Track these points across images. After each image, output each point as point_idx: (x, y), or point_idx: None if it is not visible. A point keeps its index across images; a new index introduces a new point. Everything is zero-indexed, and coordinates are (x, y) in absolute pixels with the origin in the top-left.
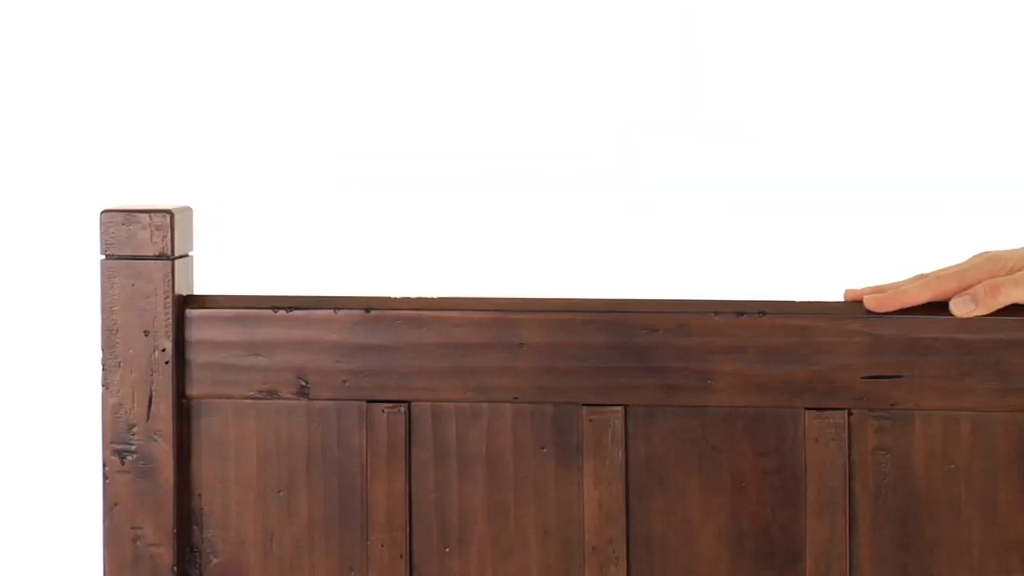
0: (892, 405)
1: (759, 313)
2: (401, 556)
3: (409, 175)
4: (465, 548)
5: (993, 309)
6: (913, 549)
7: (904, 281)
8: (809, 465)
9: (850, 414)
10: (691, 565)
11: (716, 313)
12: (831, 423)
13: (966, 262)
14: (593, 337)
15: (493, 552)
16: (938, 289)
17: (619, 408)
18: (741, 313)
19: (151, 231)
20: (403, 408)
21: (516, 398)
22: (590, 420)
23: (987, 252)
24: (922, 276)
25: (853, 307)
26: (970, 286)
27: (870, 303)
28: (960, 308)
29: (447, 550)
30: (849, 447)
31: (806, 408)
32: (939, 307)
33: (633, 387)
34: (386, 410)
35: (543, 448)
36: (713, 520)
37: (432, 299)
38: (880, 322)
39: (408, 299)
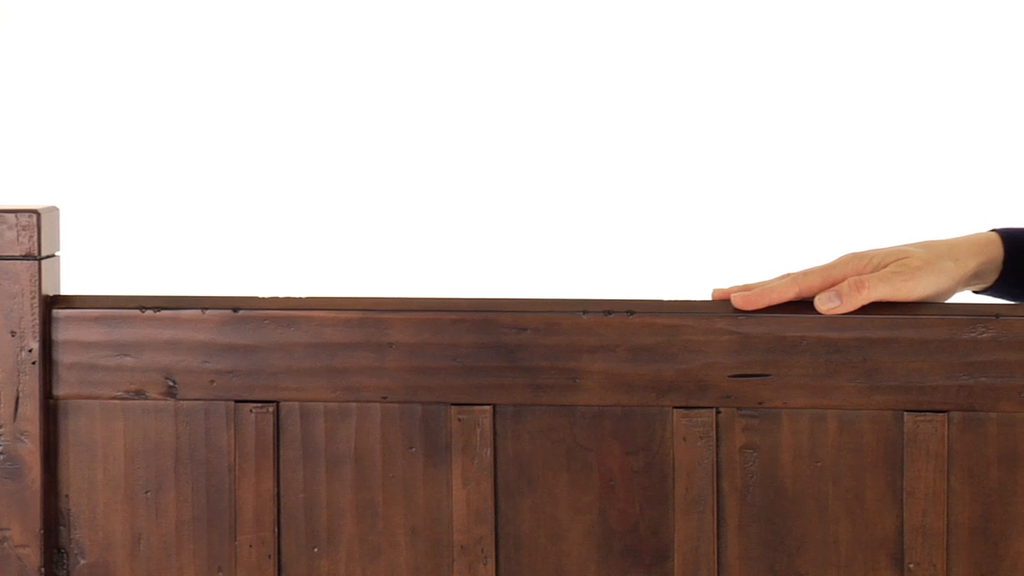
0: (760, 403)
1: (627, 312)
2: (270, 556)
3: (278, 173)
4: (334, 548)
5: (858, 305)
6: (780, 547)
7: (771, 279)
8: (677, 464)
9: (718, 412)
10: (560, 564)
11: (584, 312)
12: (699, 422)
13: (833, 260)
14: (462, 337)
15: (362, 552)
16: (804, 286)
17: (488, 407)
18: (609, 312)
19: (17, 231)
20: (271, 408)
21: (385, 397)
22: (459, 419)
23: (853, 251)
24: (789, 274)
25: (721, 306)
26: (835, 283)
27: (737, 301)
28: (825, 304)
29: (316, 550)
30: (717, 445)
31: (674, 407)
32: (807, 304)
33: (502, 386)
34: (254, 410)
35: (412, 447)
36: (582, 519)
37: (300, 299)
38: (747, 320)
39: (276, 299)
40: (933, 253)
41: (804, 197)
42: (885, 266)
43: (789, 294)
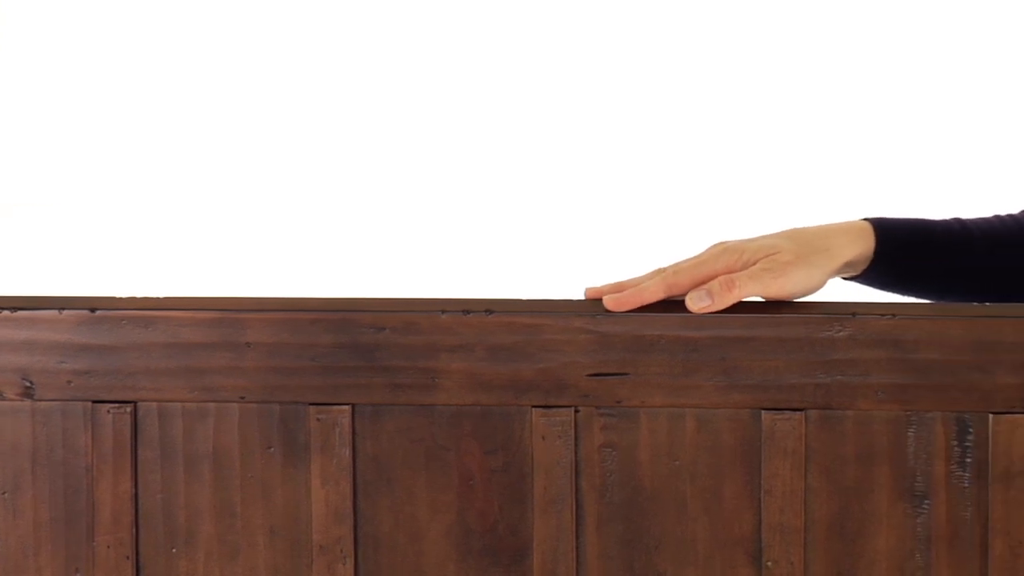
0: (618, 402)
1: (485, 311)
2: (128, 557)
3: (139, 174)
4: (192, 548)
5: (728, 304)
6: (639, 545)
7: (642, 277)
8: (536, 463)
9: (576, 411)
10: (419, 563)
11: (443, 312)
12: (558, 421)
13: (703, 253)
14: (320, 336)
15: (220, 552)
16: (675, 285)
17: (346, 407)
18: (467, 311)
19: None
20: (129, 408)
21: (243, 397)
22: (317, 419)
23: (724, 242)
24: (660, 270)
25: (579, 305)
26: (706, 280)
27: (609, 303)
28: (696, 303)
29: (174, 550)
30: (576, 444)
31: (533, 406)
32: (665, 304)
33: (360, 386)
34: (112, 410)
35: (270, 447)
36: (441, 518)
37: (157, 299)
38: (606, 320)
39: (134, 299)
40: (804, 246)
41: (675, 193)
42: (755, 262)
43: (660, 294)
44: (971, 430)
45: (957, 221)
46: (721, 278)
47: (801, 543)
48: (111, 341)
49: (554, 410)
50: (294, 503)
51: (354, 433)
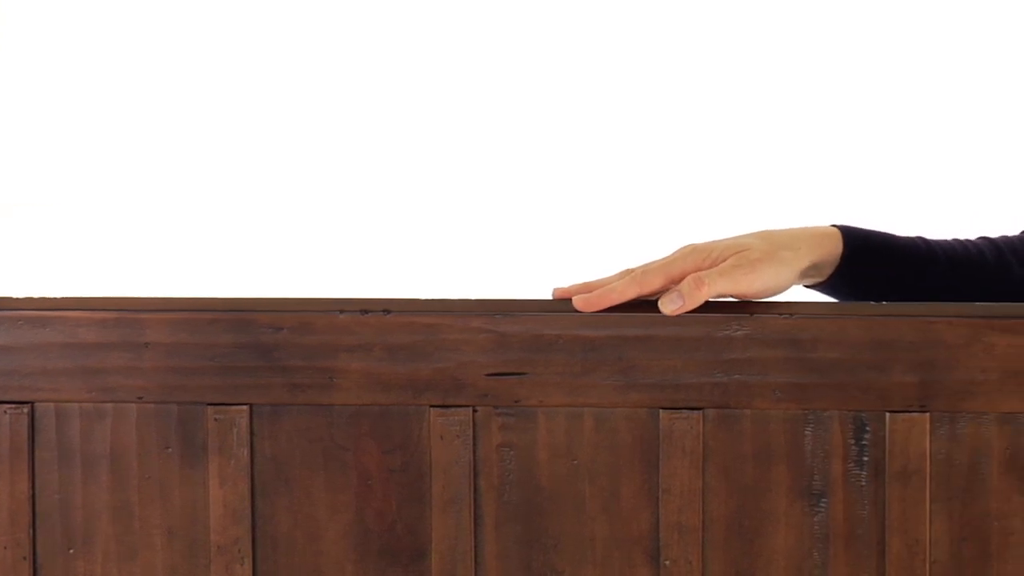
0: (516, 402)
1: (383, 311)
2: (25, 558)
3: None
4: (89, 549)
5: (700, 302)
6: (537, 545)
7: (611, 278)
8: (434, 462)
9: (475, 411)
10: (317, 563)
11: (341, 311)
12: (456, 420)
13: (672, 254)
14: (218, 336)
15: (118, 552)
16: (645, 285)
17: (244, 407)
18: (366, 311)
19: None
20: (26, 409)
21: (141, 398)
22: (215, 419)
23: (693, 244)
24: (629, 271)
25: (477, 304)
26: (676, 280)
27: (579, 303)
28: (668, 306)
29: (71, 551)
30: (474, 444)
31: (431, 406)
32: (562, 303)
33: (258, 386)
34: (8, 411)
35: (168, 448)
36: (339, 518)
37: (54, 299)
38: (504, 319)
39: (30, 299)
40: (772, 244)
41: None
42: (724, 260)
43: (629, 294)
44: (868, 429)
45: (921, 239)
46: (690, 277)
47: (699, 542)
48: (7, 341)
49: (452, 410)
50: (192, 503)
51: (252, 433)
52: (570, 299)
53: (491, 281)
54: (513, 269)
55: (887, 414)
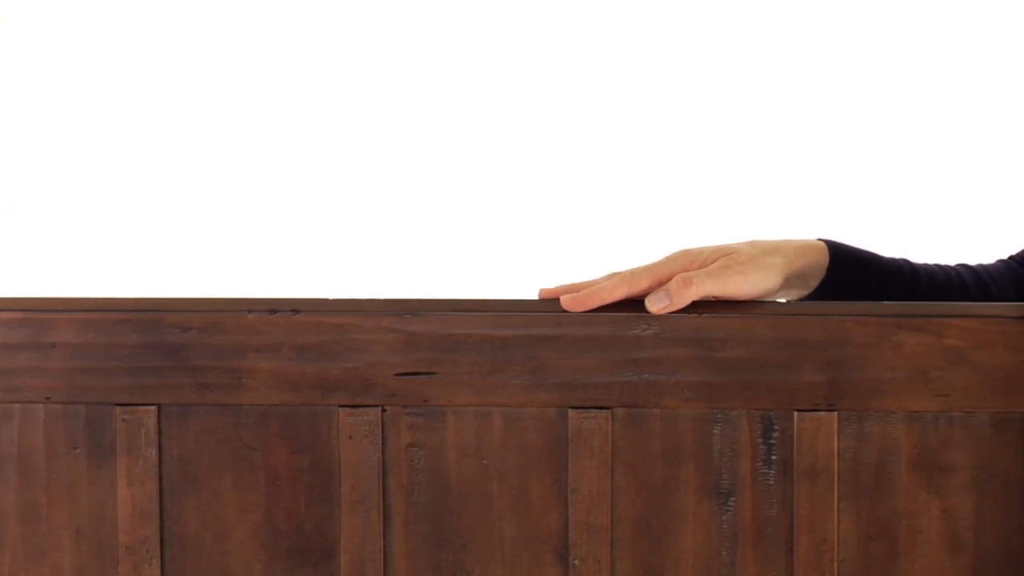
0: (425, 402)
1: (292, 311)
2: None
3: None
4: None
5: (687, 302)
6: (446, 544)
7: (598, 280)
8: (343, 462)
9: (384, 411)
10: (226, 563)
11: (249, 311)
12: (365, 420)
13: (661, 259)
14: (127, 336)
15: (26, 553)
16: (633, 285)
17: (152, 407)
18: (274, 311)
19: None
20: None
21: (48, 398)
22: (123, 419)
23: (683, 248)
24: (615, 274)
25: (386, 304)
26: (664, 281)
27: (567, 303)
28: (655, 304)
29: None
30: (383, 444)
31: (340, 406)
32: (470, 303)
33: (167, 386)
34: None
35: (76, 448)
36: (247, 518)
37: None
38: (414, 319)
39: None
40: (760, 249)
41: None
42: (713, 262)
43: (618, 294)
44: (776, 428)
45: (904, 260)
46: (678, 276)
47: (608, 541)
48: None
49: (361, 409)
50: (100, 504)
51: (160, 433)
52: (479, 299)
53: (476, 283)
54: (499, 271)
55: (795, 413)
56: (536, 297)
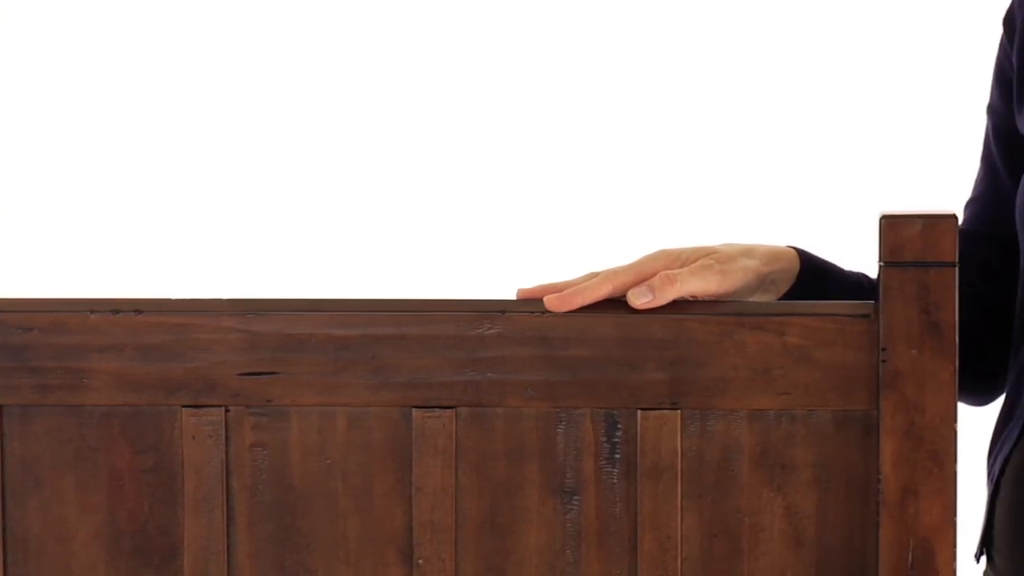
0: (268, 401)
1: (135, 311)
2: None
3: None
4: None
5: (670, 299)
6: (290, 544)
7: (577, 279)
8: (187, 462)
9: (227, 411)
10: (68, 565)
11: (92, 311)
12: (208, 420)
13: (642, 257)
14: None
15: None
16: (617, 283)
17: None
18: (117, 311)
19: None
20: None
21: None
22: None
23: (664, 248)
24: (595, 273)
25: (229, 304)
26: (646, 278)
27: (551, 302)
28: (637, 299)
29: None
30: (227, 444)
31: (183, 406)
32: (314, 303)
33: (8, 387)
34: None
35: None
36: (90, 520)
37: None
38: (256, 319)
39: None
40: (738, 250)
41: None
42: (694, 261)
43: (602, 292)
44: (619, 426)
45: (863, 274)
46: (662, 274)
47: (452, 540)
48: None
49: (204, 410)
50: None
51: (2, 434)
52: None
53: (454, 283)
54: (476, 271)
55: (638, 411)
56: (515, 297)
